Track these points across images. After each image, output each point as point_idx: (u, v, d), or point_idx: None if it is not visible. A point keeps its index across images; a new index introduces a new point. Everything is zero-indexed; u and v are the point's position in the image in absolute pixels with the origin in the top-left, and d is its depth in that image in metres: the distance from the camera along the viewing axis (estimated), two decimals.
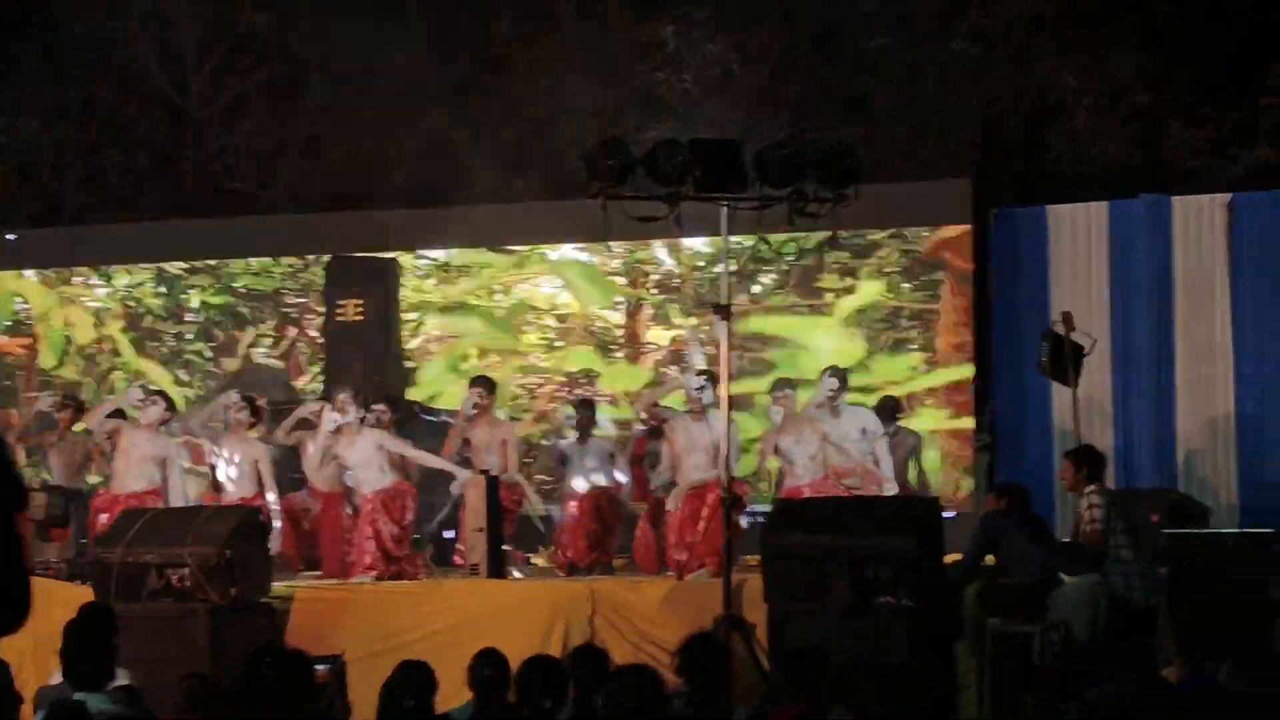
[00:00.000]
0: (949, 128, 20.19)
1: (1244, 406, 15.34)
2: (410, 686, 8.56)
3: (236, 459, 13.98)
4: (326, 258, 17.72)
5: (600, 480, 14.19)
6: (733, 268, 16.27)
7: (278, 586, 12.31)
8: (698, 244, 16.92)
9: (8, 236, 19.04)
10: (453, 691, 9.51)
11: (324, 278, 17.50)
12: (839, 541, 10.30)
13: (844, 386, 13.87)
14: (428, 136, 21.28)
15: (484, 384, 14.34)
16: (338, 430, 13.67)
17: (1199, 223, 15.64)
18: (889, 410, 14.70)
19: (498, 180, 20.77)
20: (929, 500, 11.50)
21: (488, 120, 20.83)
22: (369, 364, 16.12)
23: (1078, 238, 15.97)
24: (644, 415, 14.90)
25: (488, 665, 9.33)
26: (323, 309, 17.50)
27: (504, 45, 21.43)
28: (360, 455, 13.61)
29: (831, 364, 14.66)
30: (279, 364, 18.55)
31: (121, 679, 8.82)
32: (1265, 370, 15.37)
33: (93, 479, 15.35)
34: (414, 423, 15.58)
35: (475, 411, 14.07)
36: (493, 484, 12.97)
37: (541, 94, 20.92)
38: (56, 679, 9.73)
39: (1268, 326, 15.39)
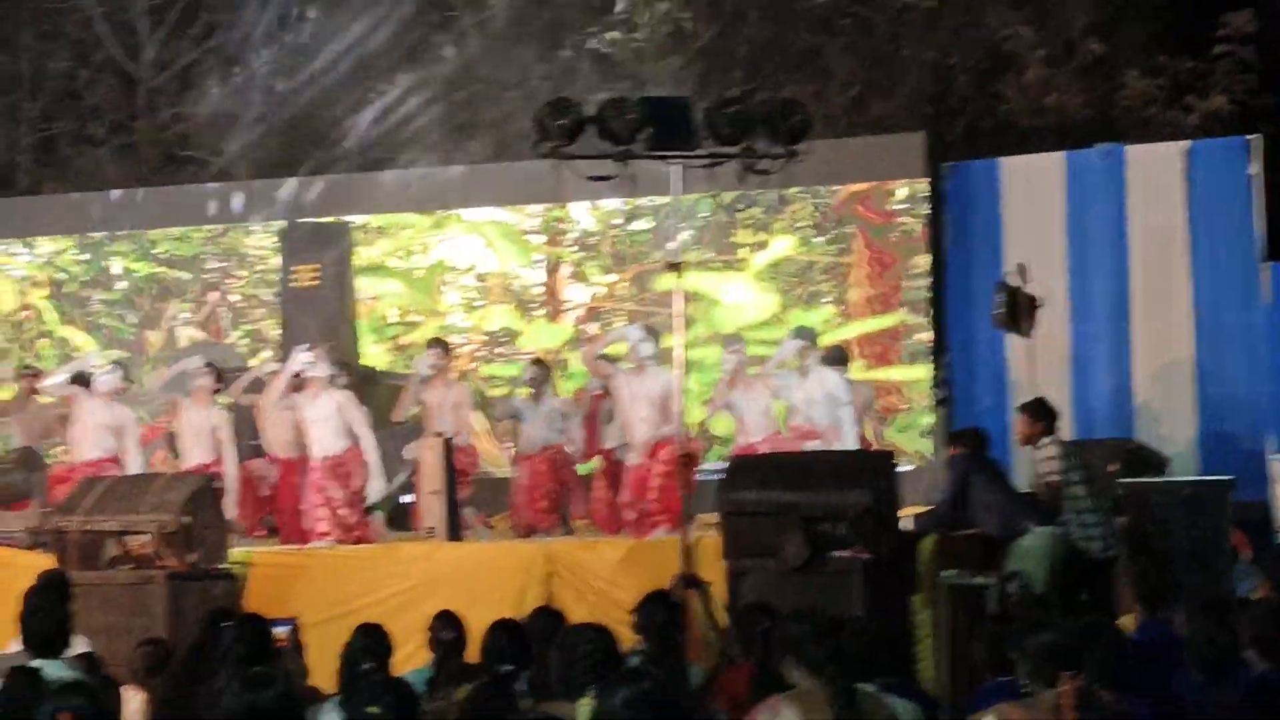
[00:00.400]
0: (901, 82, 20.21)
1: (1201, 355, 15.36)
2: (368, 650, 8.60)
3: (196, 425, 13.97)
4: (277, 223, 17.74)
5: (554, 439, 14.21)
6: (649, 225, 16.37)
7: (235, 553, 12.29)
8: (614, 202, 16.85)
9: None
10: (411, 654, 9.59)
11: (278, 244, 17.52)
12: (794, 497, 10.30)
13: (812, 348, 13.81)
14: (379, 101, 21.23)
15: (440, 345, 14.37)
16: (300, 384, 13.66)
17: (1155, 172, 15.61)
18: (837, 360, 14.58)
19: (449, 144, 20.76)
20: (884, 454, 11.54)
21: (438, 83, 20.78)
22: (325, 329, 16.11)
23: (1032, 190, 15.95)
24: (588, 369, 14.85)
25: (445, 627, 9.37)
26: (244, 273, 17.48)
27: (454, 7, 21.36)
28: (319, 412, 13.51)
29: (800, 324, 14.74)
30: (199, 333, 18.53)
31: (80, 646, 8.85)
32: (1223, 319, 15.41)
33: (55, 448, 15.36)
34: (374, 387, 15.60)
35: (431, 373, 14.09)
36: (448, 447, 12.99)
37: (492, 56, 20.86)
38: (15, 647, 9.76)
39: (1224, 275, 15.42)
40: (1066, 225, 15.80)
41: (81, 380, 14.10)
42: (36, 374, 15.25)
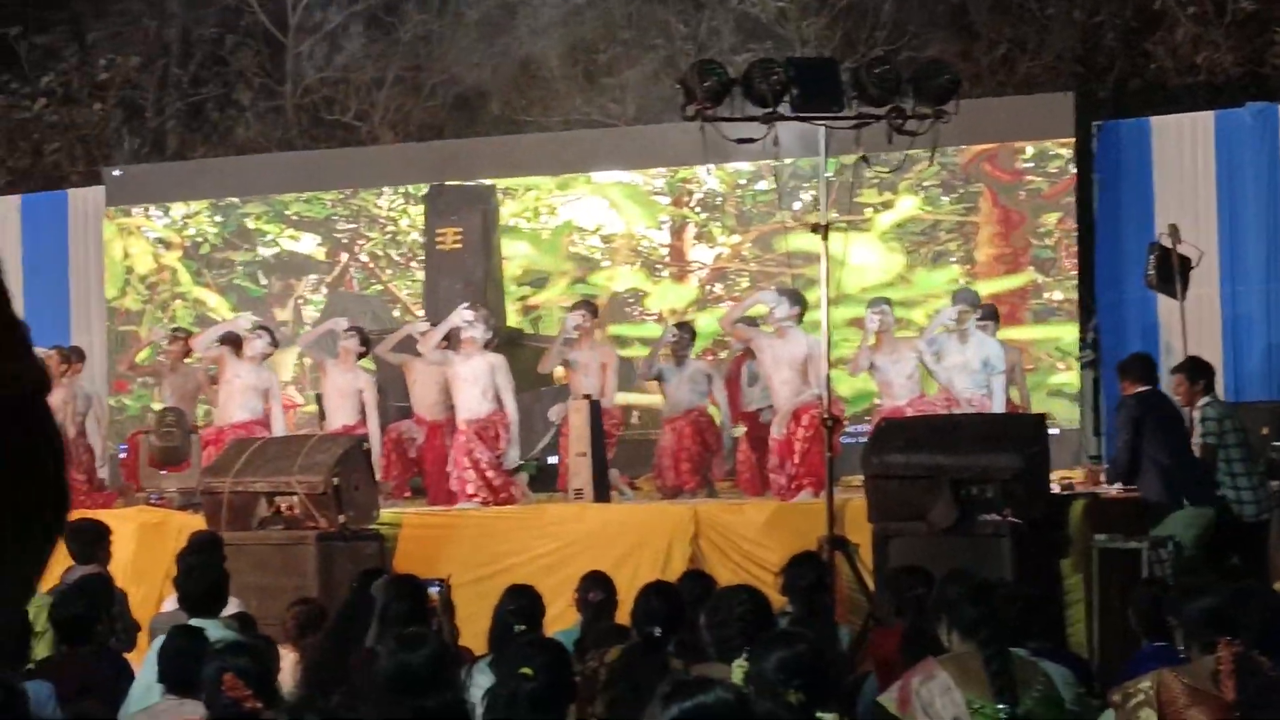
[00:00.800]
0: (1047, 41, 19.94)
1: None
2: (520, 611, 8.66)
3: (341, 386, 14.14)
4: (422, 187, 17.84)
5: (698, 402, 14.20)
6: (771, 185, 16.21)
7: (384, 514, 12.43)
8: (742, 163, 16.72)
9: (114, 173, 19.22)
10: (558, 614, 9.64)
11: (402, 205, 17.68)
12: (942, 460, 10.25)
13: (972, 311, 13.66)
14: (522, 63, 21.27)
15: (587, 307, 14.42)
16: (459, 341, 13.80)
17: None
18: (990, 316, 14.40)
19: (590, 105, 20.78)
20: (1035, 417, 11.42)
21: (580, 45, 20.79)
22: (468, 291, 16.15)
23: (1183, 149, 15.79)
24: (729, 334, 14.81)
25: (594, 588, 9.43)
26: (374, 234, 17.57)
27: None
28: (472, 372, 13.64)
29: (965, 287, 14.66)
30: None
31: (233, 606, 8.97)
32: None
33: (205, 410, 15.61)
34: (517, 349, 15.66)
35: (577, 334, 14.15)
36: (595, 408, 13.01)
37: (634, 18, 20.83)
38: (169, 606, 9.91)
39: None
40: (1217, 185, 15.62)
41: (231, 342, 14.29)
42: (188, 336, 15.43)
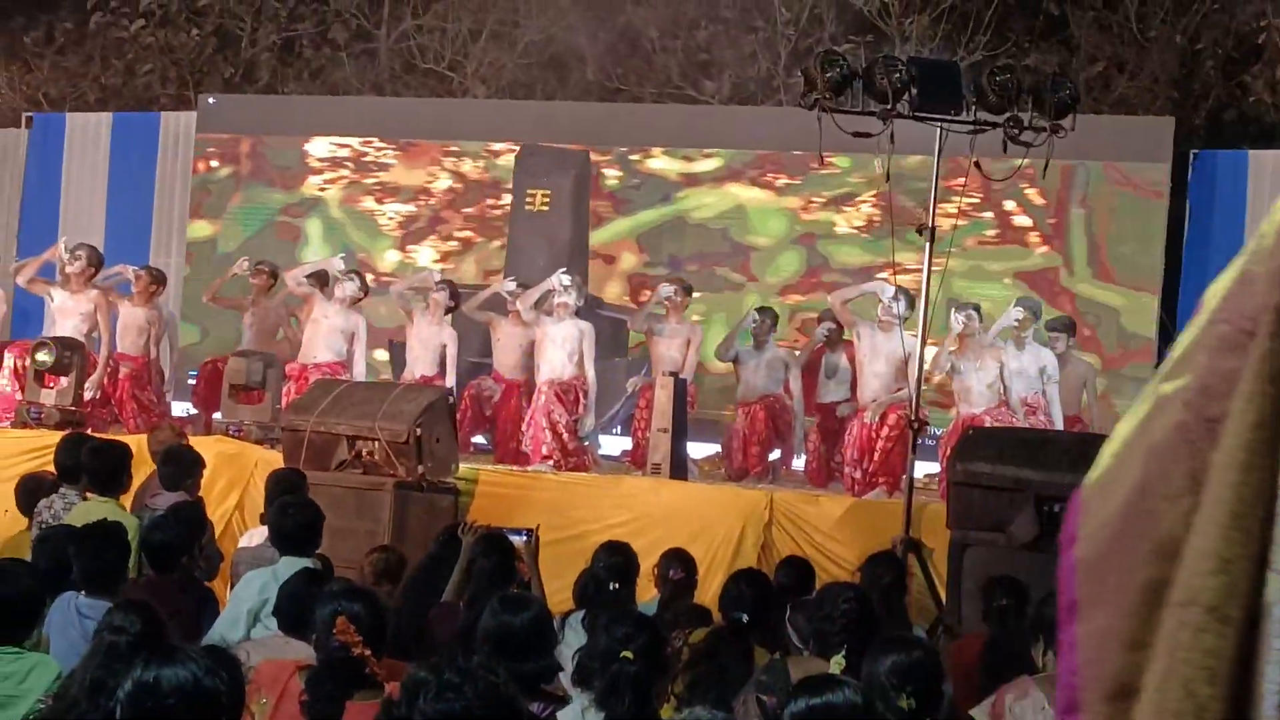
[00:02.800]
0: (1146, 63, 19.84)
1: None
2: (615, 569, 8.67)
3: (425, 338, 14.19)
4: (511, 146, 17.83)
5: (774, 389, 14.17)
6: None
7: (462, 469, 12.43)
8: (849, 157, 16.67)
9: (209, 100, 19.26)
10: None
11: (485, 167, 17.66)
12: (1029, 474, 10.18)
13: (1033, 320, 13.64)
14: (621, 31, 21.20)
15: (680, 283, 14.41)
16: (551, 304, 13.87)
17: None
18: (1065, 327, 14.45)
19: (687, 81, 20.74)
20: None
21: (682, 21, 20.74)
22: (553, 254, 16.15)
23: (1278, 184, 15.71)
24: (834, 309, 14.72)
25: (676, 565, 9.43)
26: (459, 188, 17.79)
27: None
28: (562, 334, 13.73)
29: (1024, 295, 14.60)
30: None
31: None
32: None
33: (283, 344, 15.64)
34: (593, 317, 15.65)
35: (665, 308, 14.15)
36: (680, 386, 13.02)
37: None
38: (250, 540, 9.94)
39: None
40: None
41: (321, 282, 14.34)
42: (273, 271, 15.47)
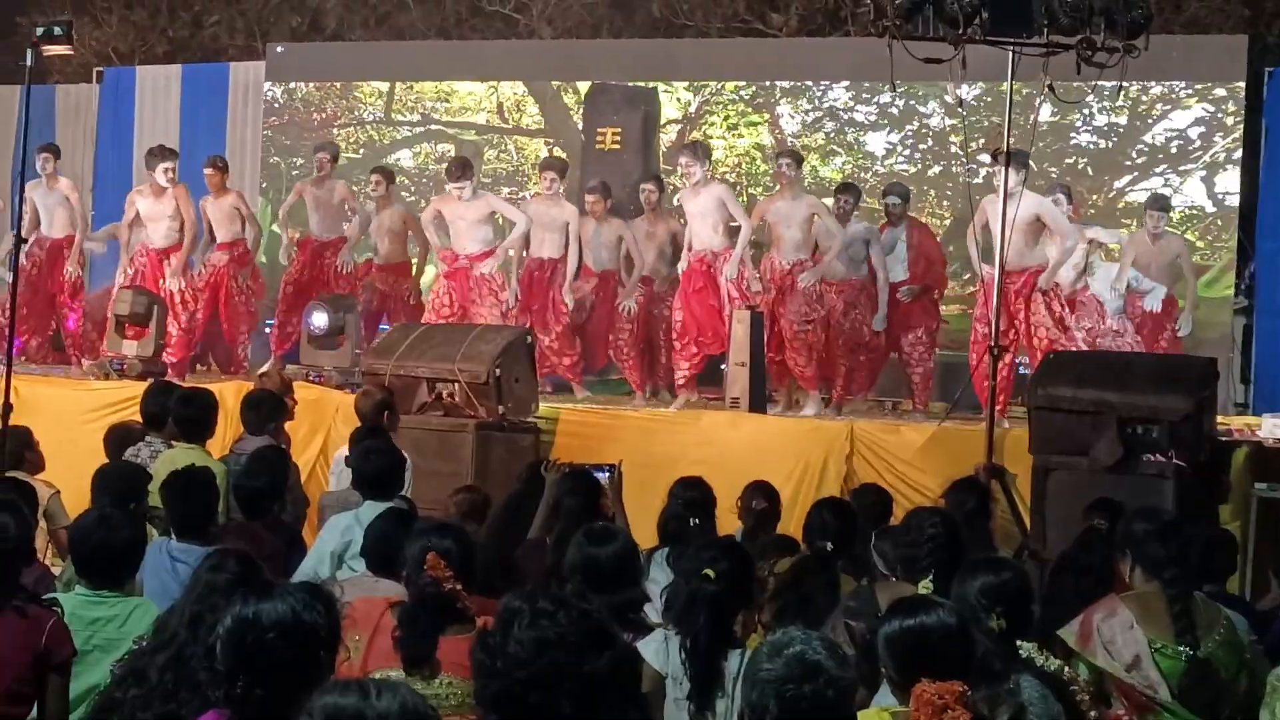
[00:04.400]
0: None
1: None
2: (694, 504, 8.71)
3: (547, 221, 14.59)
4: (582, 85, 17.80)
5: (855, 273, 14.04)
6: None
7: (542, 408, 12.50)
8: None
9: (277, 49, 19.32)
10: (717, 520, 9.64)
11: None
12: (1110, 396, 10.16)
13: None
14: None
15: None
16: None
17: None
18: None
19: (753, 14, 20.65)
20: (1206, 361, 11.26)
21: None
22: (626, 192, 16.14)
23: None
24: None
25: (759, 497, 9.46)
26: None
27: None
28: (700, 206, 13.88)
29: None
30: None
31: None
32: None
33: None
34: None
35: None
36: (757, 320, 13.00)
37: None
38: (334, 485, 10.03)
39: None
40: None
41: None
42: (335, 154, 16.09)
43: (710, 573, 6.02)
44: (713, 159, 14.42)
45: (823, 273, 13.69)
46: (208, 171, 15.54)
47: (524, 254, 14.68)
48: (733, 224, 13.86)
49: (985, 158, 13.33)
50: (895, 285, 14.11)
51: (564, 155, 16.24)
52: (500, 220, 14.94)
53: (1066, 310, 13.07)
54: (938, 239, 15.26)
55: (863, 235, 14.01)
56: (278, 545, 8.00)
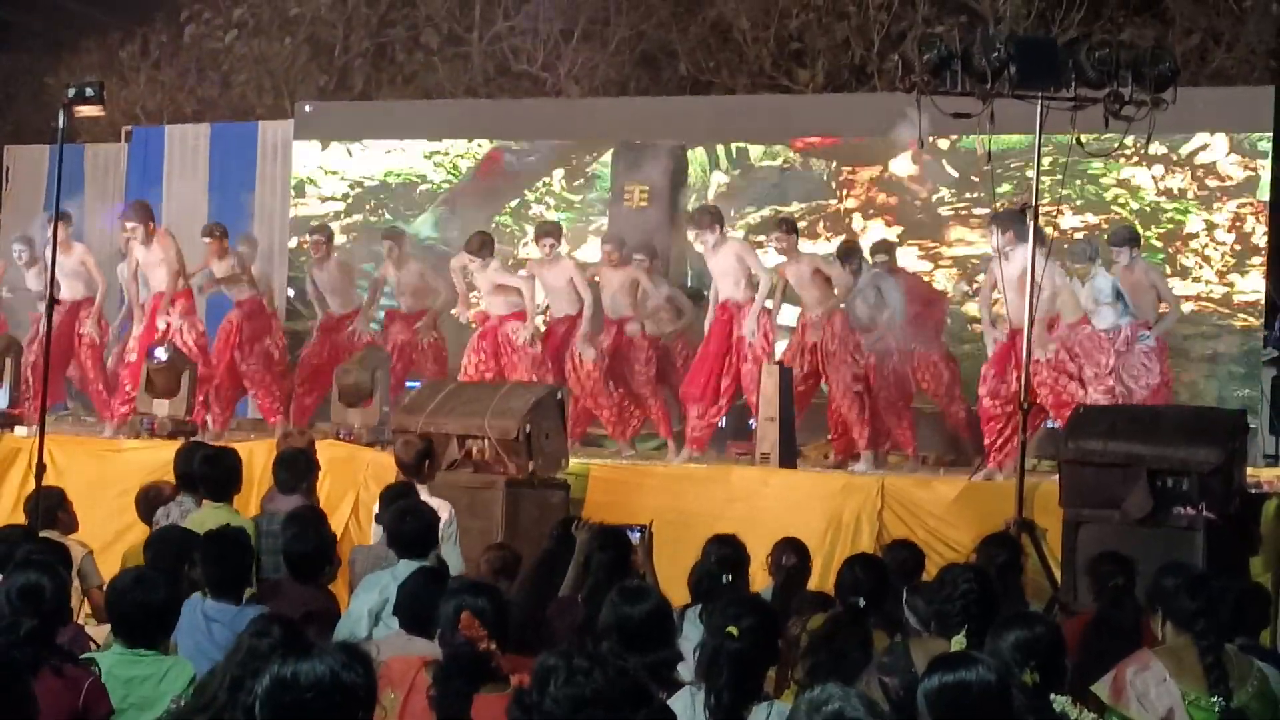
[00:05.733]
0: (1242, 34, 19.68)
1: None
2: (726, 561, 8.72)
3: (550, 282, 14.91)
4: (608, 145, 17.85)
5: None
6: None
7: (572, 464, 12.48)
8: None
9: (305, 107, 19.44)
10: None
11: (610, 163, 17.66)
12: (1141, 449, 10.14)
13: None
14: (712, 24, 21.27)
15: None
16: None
17: None
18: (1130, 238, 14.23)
19: (780, 70, 20.75)
20: (1235, 413, 11.26)
21: (775, 9, 20.75)
22: (647, 246, 16.11)
23: None
24: None
25: (789, 553, 9.46)
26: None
27: None
28: (720, 266, 14.06)
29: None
30: None
31: None
32: None
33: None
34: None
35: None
36: (786, 375, 13.04)
37: None
38: (369, 539, 10.07)
39: None
40: None
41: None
42: (329, 236, 16.24)
43: (734, 630, 6.03)
44: (724, 219, 14.47)
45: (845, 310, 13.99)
46: (208, 238, 15.86)
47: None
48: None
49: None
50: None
51: (558, 219, 16.58)
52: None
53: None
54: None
55: (871, 281, 14.20)
56: (321, 603, 8.01)
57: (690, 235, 14.24)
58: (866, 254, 14.85)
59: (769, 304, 13.95)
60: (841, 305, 13.97)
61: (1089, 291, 13.37)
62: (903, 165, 17.26)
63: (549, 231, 15.22)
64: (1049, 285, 12.53)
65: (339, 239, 17.10)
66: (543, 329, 14.91)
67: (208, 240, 15.78)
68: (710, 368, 13.87)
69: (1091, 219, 16.37)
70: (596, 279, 15.09)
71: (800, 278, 14.02)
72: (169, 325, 15.00)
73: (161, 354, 14.35)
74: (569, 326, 14.84)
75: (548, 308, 15.21)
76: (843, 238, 16.02)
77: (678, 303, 15.13)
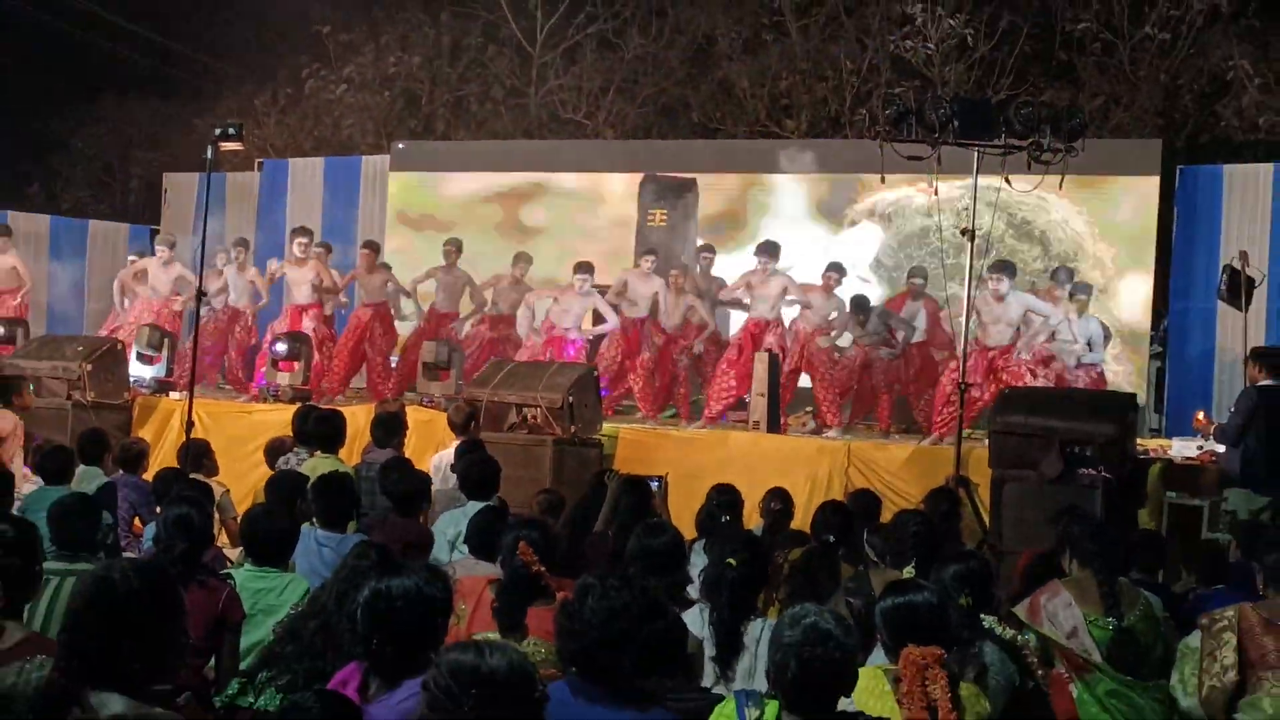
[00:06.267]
0: (1137, 98, 19.60)
1: None
2: (725, 504, 8.71)
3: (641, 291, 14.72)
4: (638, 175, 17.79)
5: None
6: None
7: (605, 427, 12.47)
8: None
9: (399, 145, 19.42)
10: (744, 518, 9.62)
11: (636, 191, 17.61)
12: (1054, 423, 10.12)
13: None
14: (719, 83, 21.23)
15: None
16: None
17: None
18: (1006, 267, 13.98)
19: (772, 120, 20.70)
20: (1129, 396, 11.24)
21: (768, 72, 20.71)
22: (667, 260, 16.11)
23: (1247, 193, 15.47)
24: None
25: (776, 499, 9.45)
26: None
27: (782, 13, 21.22)
28: (764, 292, 13.99)
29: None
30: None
31: None
32: None
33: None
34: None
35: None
36: (775, 360, 13.00)
37: (811, 52, 20.73)
38: (438, 484, 10.06)
39: None
40: (1272, 223, 15.29)
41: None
42: (375, 249, 16.24)
43: (732, 561, 6.03)
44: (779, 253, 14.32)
45: (830, 335, 13.97)
46: (363, 251, 15.99)
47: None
48: (789, 300, 14.04)
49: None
50: (918, 345, 14.19)
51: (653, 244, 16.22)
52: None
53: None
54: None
55: (885, 319, 14.21)
56: (418, 534, 7.98)
57: (757, 261, 14.10)
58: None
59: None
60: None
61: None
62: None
63: (654, 250, 15.17)
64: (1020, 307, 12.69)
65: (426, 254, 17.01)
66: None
67: (364, 251, 15.95)
68: (739, 370, 13.78)
69: (1023, 246, 16.29)
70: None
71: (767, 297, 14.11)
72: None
73: (280, 348, 14.41)
74: (641, 325, 14.66)
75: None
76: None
77: (701, 311, 14.94)
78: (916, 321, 14.16)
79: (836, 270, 14.27)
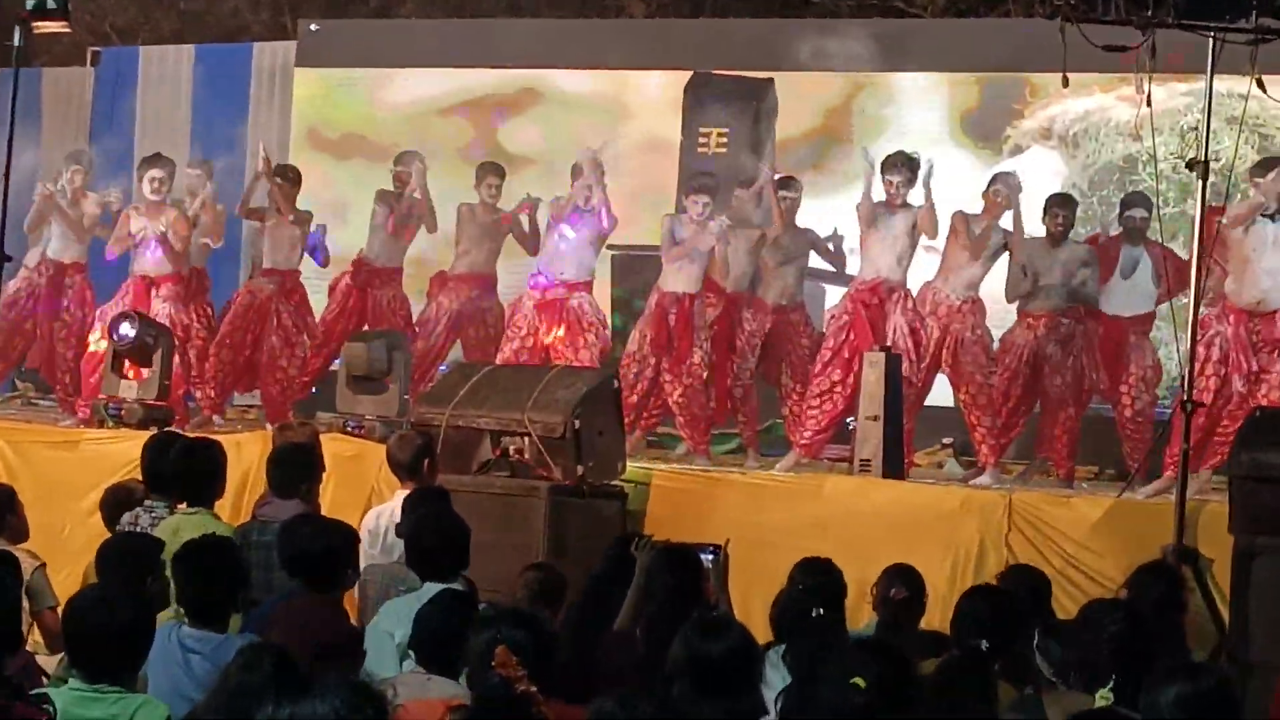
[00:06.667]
0: None
1: None
2: (817, 591, 8.69)
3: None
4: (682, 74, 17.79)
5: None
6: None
7: (632, 469, 12.45)
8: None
9: (311, 27, 19.49)
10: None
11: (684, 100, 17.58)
12: None
13: None
14: None
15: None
16: None
17: None
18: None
19: None
20: None
21: None
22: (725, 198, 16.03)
23: None
24: None
25: (898, 584, 9.44)
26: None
27: None
28: (885, 230, 14.00)
29: None
30: None
31: None
32: None
33: None
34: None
35: None
36: (895, 364, 12.94)
37: None
38: (373, 552, 10.09)
39: None
40: None
41: None
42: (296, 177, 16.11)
43: (860, 681, 5.98)
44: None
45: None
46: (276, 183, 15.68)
47: None
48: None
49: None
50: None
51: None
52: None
53: None
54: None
55: (1082, 258, 14.02)
56: (342, 628, 7.91)
57: (887, 180, 14.06)
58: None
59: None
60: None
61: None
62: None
63: (705, 188, 15.02)
64: None
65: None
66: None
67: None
68: (840, 372, 13.82)
69: None
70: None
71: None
72: None
73: (126, 330, 14.32)
74: (689, 305, 14.67)
75: None
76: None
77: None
78: (1135, 280, 13.98)
79: (1006, 184, 14.08)
